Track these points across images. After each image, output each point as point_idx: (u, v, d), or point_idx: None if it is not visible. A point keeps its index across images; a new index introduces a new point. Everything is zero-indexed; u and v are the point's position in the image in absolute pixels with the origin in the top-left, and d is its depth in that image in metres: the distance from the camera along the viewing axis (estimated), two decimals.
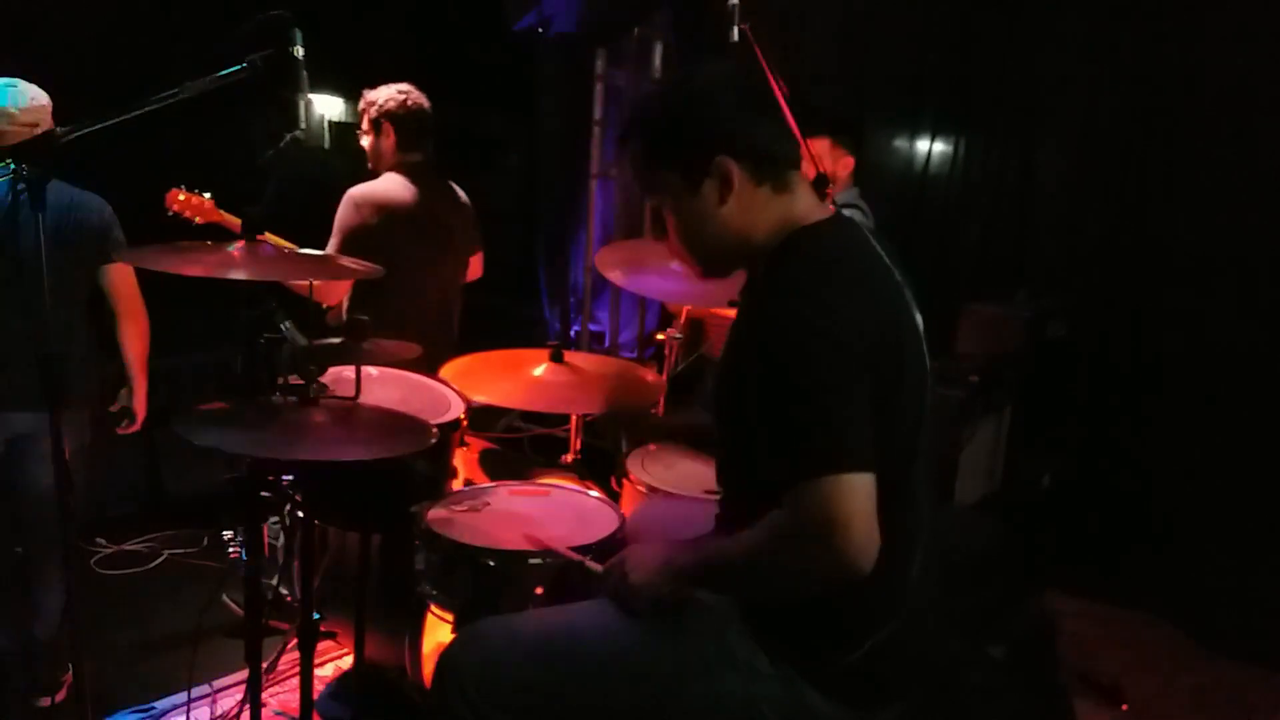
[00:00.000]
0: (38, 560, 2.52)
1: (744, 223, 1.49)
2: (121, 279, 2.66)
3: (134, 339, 2.72)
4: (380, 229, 2.85)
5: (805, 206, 1.51)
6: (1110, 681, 2.86)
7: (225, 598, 2.88)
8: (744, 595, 1.48)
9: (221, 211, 3.09)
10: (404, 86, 3.01)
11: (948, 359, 3.69)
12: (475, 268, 3.27)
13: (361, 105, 3.03)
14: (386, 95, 2.98)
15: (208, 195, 3.08)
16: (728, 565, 1.44)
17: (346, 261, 1.96)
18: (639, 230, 4.85)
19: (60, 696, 2.55)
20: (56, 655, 2.56)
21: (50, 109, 2.46)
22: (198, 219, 3.07)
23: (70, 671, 2.57)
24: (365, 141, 3.04)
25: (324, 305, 3.06)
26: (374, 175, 3.00)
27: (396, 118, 2.97)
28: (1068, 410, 3.96)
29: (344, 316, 2.98)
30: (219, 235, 3.04)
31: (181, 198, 3.05)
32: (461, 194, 3.17)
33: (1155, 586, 3.40)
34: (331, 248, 2.84)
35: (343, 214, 2.87)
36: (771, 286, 1.45)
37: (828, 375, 1.31)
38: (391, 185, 2.95)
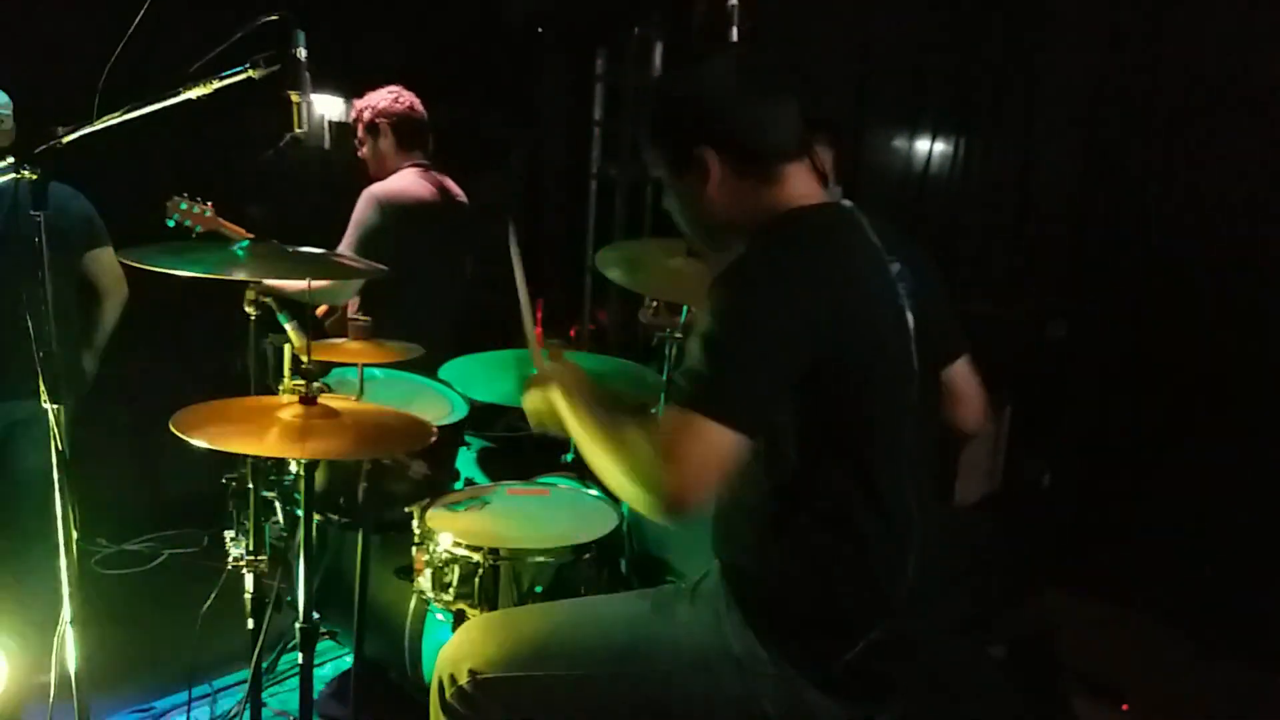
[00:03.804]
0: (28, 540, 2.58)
1: (730, 210, 1.49)
2: (111, 261, 2.79)
3: (114, 311, 2.87)
4: (400, 229, 2.81)
5: (797, 193, 1.49)
6: (1110, 681, 2.86)
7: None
8: (591, 462, 1.47)
9: (222, 220, 3.07)
10: (393, 88, 2.99)
11: None
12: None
13: (353, 114, 3.01)
14: (378, 97, 2.97)
15: (209, 204, 3.06)
16: (594, 430, 1.45)
17: (346, 260, 1.96)
18: (639, 230, 4.86)
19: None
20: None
21: (10, 107, 2.54)
22: (200, 228, 3.05)
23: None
24: (364, 150, 3.00)
25: (320, 314, 3.03)
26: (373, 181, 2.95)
27: (392, 115, 2.95)
28: (1068, 410, 3.96)
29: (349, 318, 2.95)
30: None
31: (184, 206, 3.02)
32: (460, 192, 3.15)
33: (1156, 586, 3.40)
34: (346, 246, 2.80)
35: (361, 213, 2.81)
36: (737, 260, 1.44)
37: (741, 342, 1.33)
38: (409, 183, 2.92)
